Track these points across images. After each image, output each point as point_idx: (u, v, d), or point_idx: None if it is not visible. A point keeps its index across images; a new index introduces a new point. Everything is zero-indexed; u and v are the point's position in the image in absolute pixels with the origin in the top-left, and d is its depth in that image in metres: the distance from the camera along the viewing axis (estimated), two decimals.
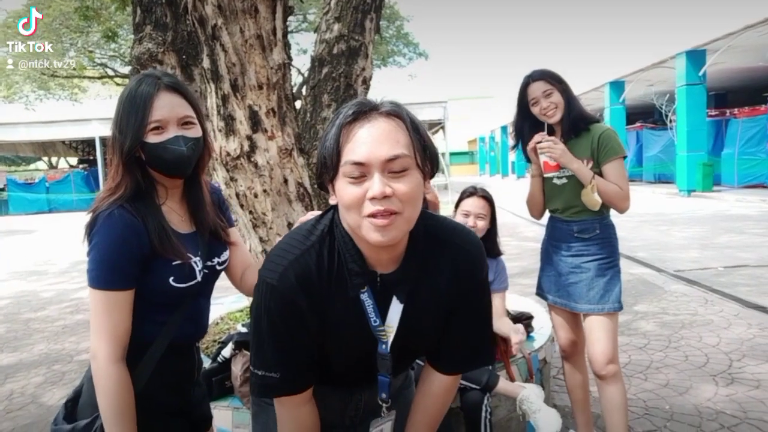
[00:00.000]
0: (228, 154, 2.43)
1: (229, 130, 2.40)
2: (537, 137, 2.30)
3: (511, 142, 2.57)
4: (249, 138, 2.40)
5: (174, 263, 1.31)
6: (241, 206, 2.54)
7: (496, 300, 2.59)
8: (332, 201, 1.11)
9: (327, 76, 2.99)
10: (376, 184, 1.00)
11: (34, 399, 3.69)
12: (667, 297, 5.39)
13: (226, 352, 2.41)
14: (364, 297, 1.12)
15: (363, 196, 1.01)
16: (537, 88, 2.27)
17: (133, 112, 1.30)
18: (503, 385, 2.23)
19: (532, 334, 2.94)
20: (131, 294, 1.27)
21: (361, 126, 1.03)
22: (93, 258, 1.26)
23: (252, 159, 2.42)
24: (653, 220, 11.10)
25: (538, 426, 2.12)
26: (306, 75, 2.99)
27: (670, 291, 5.60)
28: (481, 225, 2.52)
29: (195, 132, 1.37)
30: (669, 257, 7.22)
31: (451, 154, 37.15)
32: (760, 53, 16.09)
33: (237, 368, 2.31)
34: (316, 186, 1.14)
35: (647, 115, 25.45)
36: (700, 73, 16.35)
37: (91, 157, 28.99)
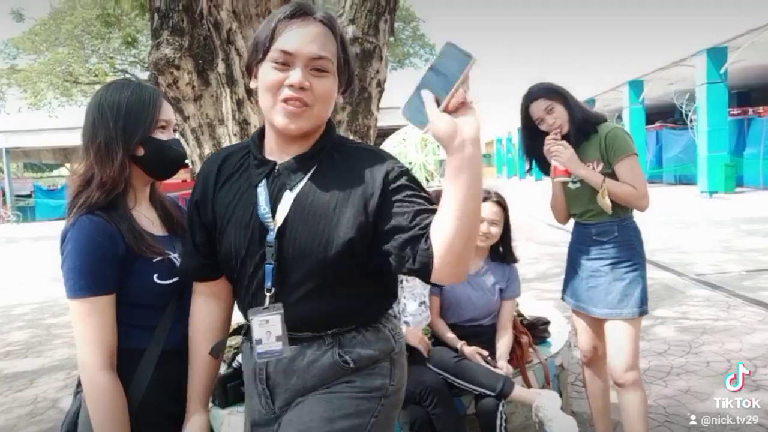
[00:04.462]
0: None
1: (244, 134, 2.42)
2: (550, 139, 2.27)
3: (527, 165, 2.53)
4: None
5: (155, 260, 1.32)
6: None
7: (506, 308, 2.57)
8: (252, 85, 1.21)
9: None
10: (296, 74, 1.12)
11: (54, 404, 3.74)
12: (688, 301, 5.29)
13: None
14: (260, 187, 1.20)
15: (282, 82, 1.12)
16: (538, 108, 2.27)
17: (143, 109, 1.35)
18: (518, 392, 2.20)
19: (548, 340, 2.90)
20: (112, 299, 1.26)
21: (297, 24, 1.14)
22: (67, 267, 1.24)
23: None
24: (674, 222, 10.91)
25: None
26: None
27: (692, 295, 5.49)
28: (495, 231, 2.49)
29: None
30: (690, 261, 7.09)
31: None
32: None
33: None
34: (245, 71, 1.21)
35: (667, 115, 25.10)
36: (722, 71, 16.06)
37: None
